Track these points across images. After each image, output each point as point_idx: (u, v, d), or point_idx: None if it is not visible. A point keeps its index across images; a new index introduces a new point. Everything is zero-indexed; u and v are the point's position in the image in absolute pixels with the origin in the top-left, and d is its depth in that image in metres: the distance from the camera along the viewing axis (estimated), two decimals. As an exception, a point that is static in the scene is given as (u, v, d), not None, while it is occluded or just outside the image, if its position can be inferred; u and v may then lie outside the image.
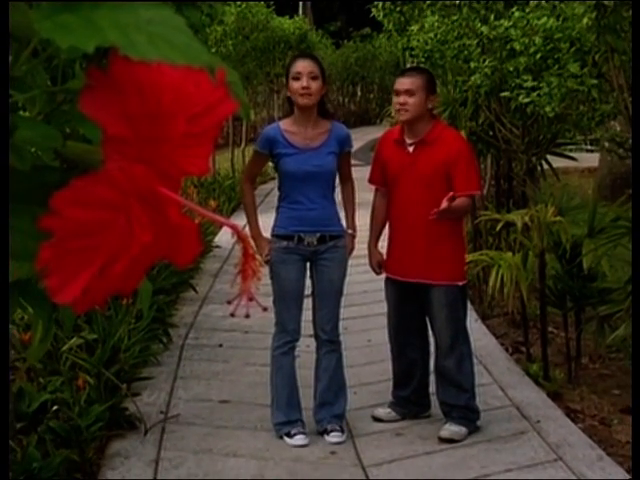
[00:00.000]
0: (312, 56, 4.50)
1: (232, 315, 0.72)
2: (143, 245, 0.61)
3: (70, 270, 0.59)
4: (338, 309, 4.35)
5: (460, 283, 4.35)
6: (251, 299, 0.69)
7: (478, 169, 4.90)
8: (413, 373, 4.53)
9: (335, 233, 4.29)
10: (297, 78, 4.15)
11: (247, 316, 0.72)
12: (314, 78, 4.15)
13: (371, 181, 4.52)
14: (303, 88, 4.13)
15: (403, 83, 4.27)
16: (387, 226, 4.52)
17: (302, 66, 4.16)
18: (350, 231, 4.38)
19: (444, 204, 4.09)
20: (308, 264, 4.31)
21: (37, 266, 0.58)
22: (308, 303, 4.41)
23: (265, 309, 0.77)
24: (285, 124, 4.28)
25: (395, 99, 4.32)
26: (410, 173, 4.27)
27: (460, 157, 4.24)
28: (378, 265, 4.50)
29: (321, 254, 4.26)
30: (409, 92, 4.23)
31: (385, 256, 4.50)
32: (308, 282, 4.37)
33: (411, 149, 4.30)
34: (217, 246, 8.56)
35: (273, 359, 4.37)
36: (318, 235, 4.24)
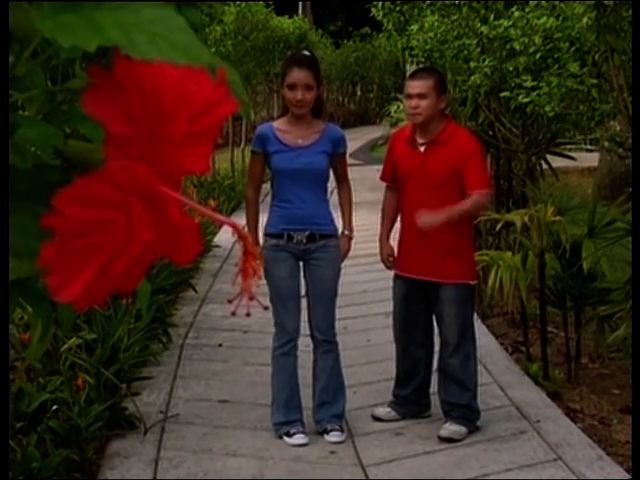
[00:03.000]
0: (308, 63, 4.27)
1: (233, 314, 0.73)
2: (144, 244, 0.61)
3: (71, 268, 0.59)
4: (333, 309, 4.35)
5: (471, 282, 4.36)
6: (252, 298, 0.70)
7: (487, 169, 4.92)
8: (416, 372, 4.54)
9: (326, 232, 4.28)
10: (292, 88, 4.15)
11: (248, 314, 0.73)
12: (309, 88, 4.15)
13: (383, 178, 4.55)
14: (297, 100, 4.15)
15: (414, 87, 4.28)
16: (398, 224, 4.52)
17: (297, 77, 4.14)
18: (347, 232, 4.38)
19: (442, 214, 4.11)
20: (301, 263, 4.32)
21: (39, 264, 0.58)
22: (305, 303, 4.42)
23: (266, 308, 0.77)
24: (278, 123, 4.32)
25: (407, 102, 4.33)
26: (420, 173, 4.28)
27: (472, 157, 4.25)
28: (388, 258, 4.48)
29: (312, 253, 4.26)
30: (421, 95, 4.23)
31: (396, 254, 4.50)
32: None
33: (422, 149, 4.32)
34: (217, 246, 8.56)
35: (274, 360, 4.36)
36: (307, 233, 4.24)
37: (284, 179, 4.24)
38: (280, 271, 4.24)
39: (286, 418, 4.31)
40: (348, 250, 4.38)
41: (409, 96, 4.29)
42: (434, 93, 4.24)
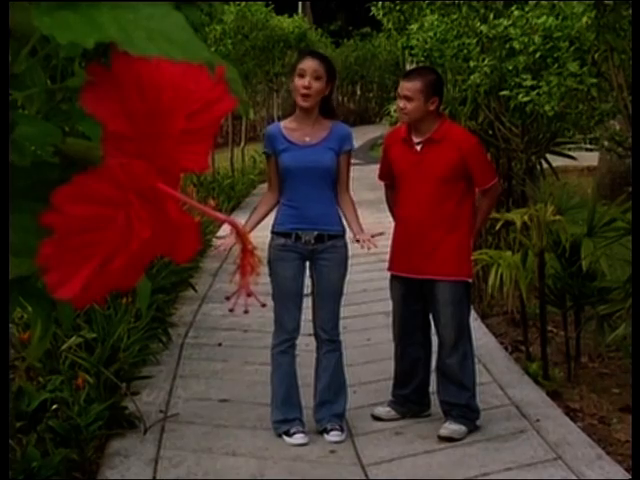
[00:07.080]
0: (321, 56, 4.41)
1: (231, 311, 0.73)
2: (142, 241, 0.61)
3: (70, 266, 0.59)
4: (338, 309, 4.35)
5: (467, 280, 4.36)
6: (249, 295, 0.70)
7: (489, 159, 5.01)
8: (415, 372, 4.54)
9: (334, 232, 4.26)
10: (301, 75, 4.15)
11: (246, 312, 0.73)
12: (317, 78, 4.13)
13: (380, 178, 4.57)
14: (304, 87, 4.11)
15: (402, 88, 4.29)
16: (393, 223, 4.53)
17: (308, 65, 4.16)
18: (360, 234, 4.24)
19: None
20: (308, 263, 4.31)
21: (38, 262, 0.58)
22: (308, 302, 4.41)
23: (264, 305, 0.77)
24: (285, 122, 4.32)
25: (398, 101, 4.37)
26: (417, 171, 4.29)
27: (473, 152, 4.28)
28: None
29: (320, 253, 4.25)
30: (407, 97, 4.24)
31: (389, 254, 4.50)
32: (308, 281, 4.37)
33: (419, 148, 4.32)
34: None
35: (272, 357, 4.37)
36: (316, 233, 4.23)
37: (292, 178, 4.22)
38: (285, 271, 4.23)
39: (284, 416, 4.31)
40: (371, 236, 4.22)
41: (398, 96, 4.33)
42: (421, 96, 4.22)
